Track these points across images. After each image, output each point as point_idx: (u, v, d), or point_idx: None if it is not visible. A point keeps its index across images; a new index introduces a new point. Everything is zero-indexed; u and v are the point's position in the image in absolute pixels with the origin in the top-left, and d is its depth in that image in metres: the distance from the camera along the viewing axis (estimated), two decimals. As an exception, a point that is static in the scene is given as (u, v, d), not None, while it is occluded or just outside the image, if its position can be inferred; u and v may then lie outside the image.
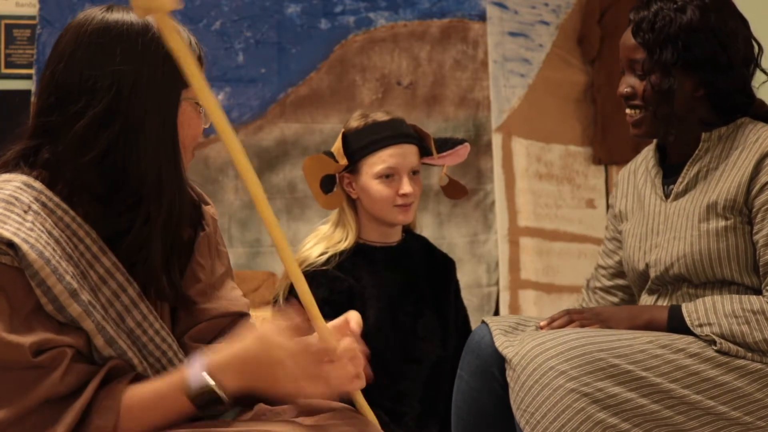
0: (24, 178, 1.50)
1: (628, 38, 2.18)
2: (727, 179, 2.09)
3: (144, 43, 1.53)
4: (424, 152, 2.47)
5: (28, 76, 3.35)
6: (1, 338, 1.36)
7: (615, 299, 2.44)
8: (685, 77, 2.12)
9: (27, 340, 1.38)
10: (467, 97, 3.66)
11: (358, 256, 2.42)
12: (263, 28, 3.54)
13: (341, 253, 2.40)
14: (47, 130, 1.54)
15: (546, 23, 3.74)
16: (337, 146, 2.42)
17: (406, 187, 2.37)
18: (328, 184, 2.42)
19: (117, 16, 1.56)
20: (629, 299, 2.45)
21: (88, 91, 1.52)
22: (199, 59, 1.59)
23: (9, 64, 3.38)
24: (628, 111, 2.20)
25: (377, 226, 2.45)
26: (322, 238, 2.45)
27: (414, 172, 2.42)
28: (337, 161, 2.39)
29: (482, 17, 3.68)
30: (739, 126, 2.15)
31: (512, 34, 3.70)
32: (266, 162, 3.51)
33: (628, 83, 2.19)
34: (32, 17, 3.37)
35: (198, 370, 1.45)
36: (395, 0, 3.64)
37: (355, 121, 2.44)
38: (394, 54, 3.63)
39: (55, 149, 1.53)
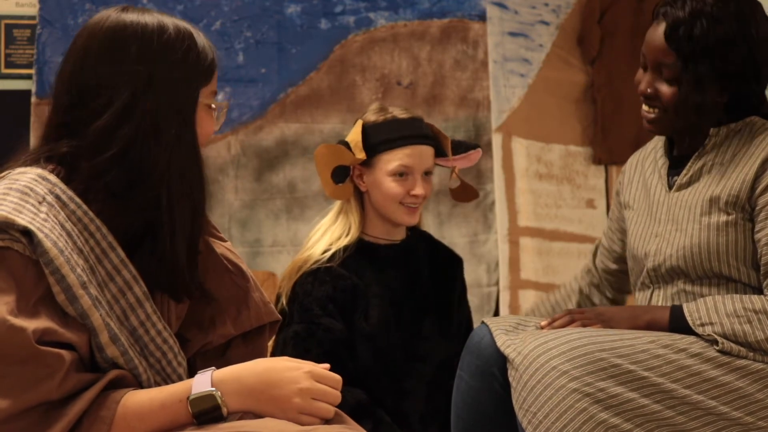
0: (39, 171, 1.50)
1: (657, 37, 2.11)
2: (731, 175, 2.09)
3: (160, 43, 1.55)
4: (438, 153, 2.46)
5: (28, 76, 3.35)
6: (5, 320, 1.36)
7: (621, 280, 2.45)
8: (714, 88, 2.10)
9: (31, 325, 1.37)
10: (467, 97, 3.66)
11: (362, 253, 2.41)
12: (263, 28, 3.54)
13: (345, 248, 2.38)
14: (66, 127, 1.55)
15: (546, 23, 3.73)
16: (355, 138, 2.38)
17: (419, 188, 2.36)
18: (340, 174, 2.40)
19: (132, 16, 1.57)
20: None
21: (108, 89, 1.53)
22: (213, 62, 1.61)
23: (9, 64, 3.37)
24: (645, 108, 2.17)
25: (382, 222, 2.44)
26: (324, 233, 2.43)
27: (426, 173, 2.41)
28: (353, 153, 2.38)
29: (482, 17, 3.68)
30: (748, 124, 2.14)
31: (512, 34, 3.70)
32: (266, 162, 3.51)
33: (651, 83, 2.14)
34: (32, 17, 3.37)
35: (204, 378, 1.45)
36: (395, 0, 3.63)
37: (373, 114, 2.42)
38: (394, 54, 3.62)
39: (73, 145, 1.54)
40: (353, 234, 2.41)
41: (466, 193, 2.54)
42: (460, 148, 2.48)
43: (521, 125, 3.68)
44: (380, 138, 2.37)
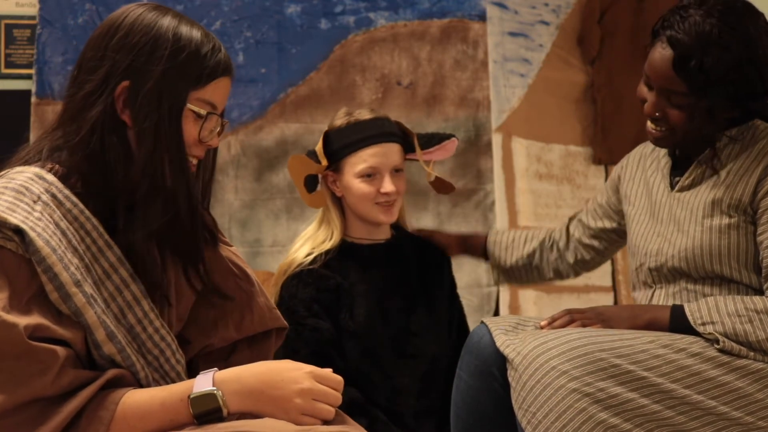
0: (36, 170, 1.50)
1: (665, 64, 2.07)
2: (734, 178, 2.09)
3: (148, 36, 1.53)
4: (409, 149, 2.47)
5: (28, 76, 3.35)
6: None
7: (587, 256, 2.54)
8: (725, 111, 2.09)
9: (22, 321, 1.37)
10: (467, 97, 3.66)
11: (345, 254, 2.43)
12: (263, 28, 3.54)
13: (327, 252, 2.41)
14: (62, 114, 1.56)
15: (546, 23, 3.74)
16: (318, 146, 2.42)
17: (388, 186, 2.38)
18: (311, 183, 2.44)
19: (141, 10, 1.56)
20: (600, 261, 2.57)
21: (90, 72, 1.53)
22: (210, 70, 1.58)
23: (9, 64, 3.38)
24: (651, 126, 2.15)
25: (362, 223, 2.46)
26: (308, 239, 2.46)
27: (396, 170, 2.42)
28: (319, 162, 2.40)
29: (482, 17, 3.68)
30: (751, 127, 2.14)
31: (512, 34, 3.70)
32: (266, 162, 3.51)
33: (659, 107, 2.10)
34: (32, 17, 3.37)
35: (205, 378, 1.45)
36: (395, 0, 3.63)
37: (338, 120, 2.44)
38: (394, 54, 3.62)
39: (59, 135, 1.54)
40: (336, 238, 2.43)
41: (443, 185, 2.55)
42: (434, 140, 2.49)
43: (521, 125, 3.68)
44: (343, 142, 2.39)
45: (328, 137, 2.42)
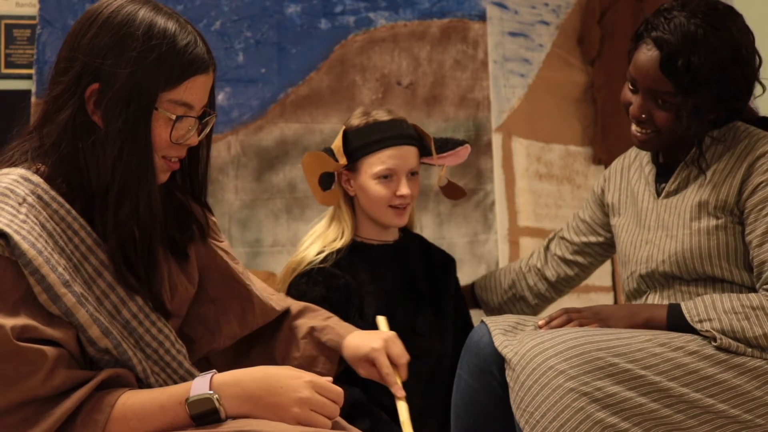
0: (22, 171, 1.50)
1: (651, 65, 2.09)
2: (719, 180, 2.10)
3: (117, 36, 1.50)
4: (424, 152, 2.47)
5: (28, 76, 3.35)
6: None
7: (571, 272, 2.55)
8: (710, 110, 2.10)
9: (9, 322, 1.38)
10: (467, 97, 3.65)
11: (355, 253, 2.43)
12: (263, 28, 3.54)
13: (338, 251, 2.41)
14: (40, 122, 1.55)
15: (546, 23, 3.73)
16: (337, 144, 2.42)
17: (404, 188, 2.38)
18: (326, 181, 2.43)
19: (119, 3, 1.53)
20: (584, 276, 2.57)
21: (61, 83, 1.52)
22: (182, 71, 1.54)
23: (9, 64, 3.38)
24: (637, 128, 2.16)
25: (373, 224, 2.46)
26: (318, 237, 2.46)
27: (412, 173, 2.42)
28: (336, 159, 2.40)
29: (482, 17, 3.68)
30: (732, 129, 2.16)
31: (512, 34, 3.70)
32: (266, 162, 3.51)
33: (645, 109, 2.12)
34: (32, 17, 3.37)
35: (203, 380, 1.46)
36: (395, 0, 3.63)
37: (356, 119, 2.44)
38: (394, 54, 3.62)
39: (40, 143, 1.54)
40: (346, 237, 2.44)
41: (454, 191, 2.56)
42: (447, 145, 2.50)
43: (521, 125, 3.67)
44: (362, 142, 2.39)
45: (346, 136, 2.41)
